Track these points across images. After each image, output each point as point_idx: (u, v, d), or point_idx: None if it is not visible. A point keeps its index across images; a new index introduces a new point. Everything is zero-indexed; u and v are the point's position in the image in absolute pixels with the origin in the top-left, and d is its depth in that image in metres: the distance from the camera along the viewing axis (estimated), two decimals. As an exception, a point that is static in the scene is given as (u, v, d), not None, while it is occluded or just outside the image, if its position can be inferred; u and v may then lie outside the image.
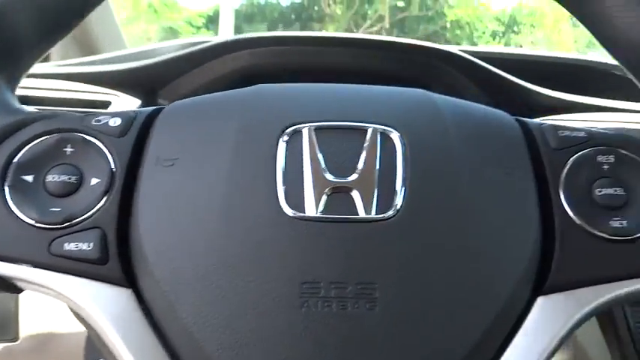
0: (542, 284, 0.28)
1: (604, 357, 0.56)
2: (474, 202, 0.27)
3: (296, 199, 0.27)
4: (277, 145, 0.28)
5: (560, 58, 0.89)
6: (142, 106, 0.61)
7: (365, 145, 0.28)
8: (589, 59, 0.91)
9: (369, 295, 0.25)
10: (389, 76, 0.62)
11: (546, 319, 0.27)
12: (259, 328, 0.25)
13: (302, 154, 0.28)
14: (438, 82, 0.63)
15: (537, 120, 0.32)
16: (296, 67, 0.59)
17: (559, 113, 0.67)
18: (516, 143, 0.30)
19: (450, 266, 0.26)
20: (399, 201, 0.27)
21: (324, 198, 0.27)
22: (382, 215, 0.26)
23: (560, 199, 0.29)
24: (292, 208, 0.26)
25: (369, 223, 0.26)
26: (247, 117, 0.29)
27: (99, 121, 0.30)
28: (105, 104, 0.60)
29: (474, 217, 0.27)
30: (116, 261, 0.27)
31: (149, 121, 0.30)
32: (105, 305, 0.27)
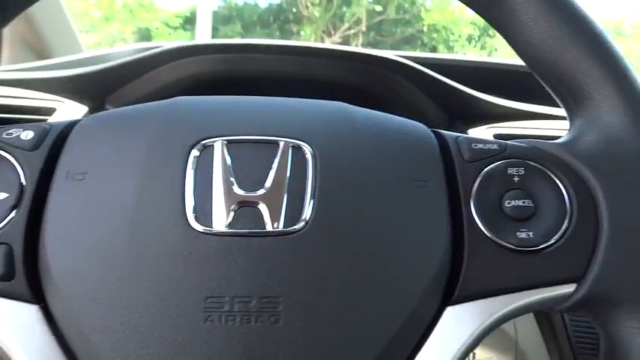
0: (451, 294, 0.29)
1: (544, 361, 0.58)
2: (383, 214, 0.28)
3: (204, 213, 0.27)
4: (187, 159, 0.28)
5: (509, 65, 0.90)
6: (90, 113, 0.61)
7: (276, 158, 0.28)
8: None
9: (273, 309, 0.26)
10: (336, 85, 0.62)
11: (454, 329, 0.28)
12: (163, 344, 0.25)
13: (212, 169, 0.28)
14: (385, 91, 0.64)
15: (455, 133, 0.33)
16: (243, 76, 0.59)
17: (505, 121, 0.68)
18: (430, 155, 0.31)
19: (355, 278, 0.26)
20: (307, 214, 0.27)
21: (232, 212, 0.27)
22: (289, 228, 0.27)
23: (471, 211, 0.29)
24: (200, 223, 0.26)
25: (275, 237, 0.27)
26: (159, 131, 0.29)
27: (10, 134, 0.29)
28: (49, 111, 0.59)
29: (383, 229, 0.28)
30: (23, 277, 0.27)
31: (64, 134, 0.30)
32: (10, 322, 0.26)
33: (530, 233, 0.29)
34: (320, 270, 0.26)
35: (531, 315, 0.58)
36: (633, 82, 0.30)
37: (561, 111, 0.72)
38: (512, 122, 0.67)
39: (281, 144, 0.29)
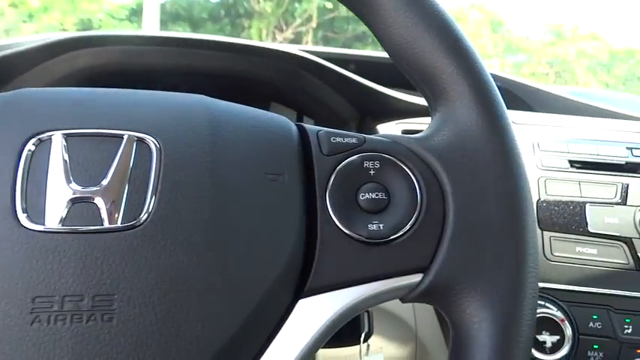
0: (304, 287, 0.29)
1: (442, 352, 0.59)
2: (229, 208, 0.28)
3: (37, 210, 0.26)
4: (21, 154, 0.27)
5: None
6: None
7: (118, 152, 0.27)
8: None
9: (108, 307, 0.25)
10: (241, 80, 0.62)
11: (305, 321, 0.28)
12: None
13: (48, 164, 0.27)
14: (292, 86, 0.64)
15: (317, 127, 0.33)
16: (141, 70, 0.57)
17: (415, 117, 0.69)
18: (288, 149, 0.31)
19: (195, 274, 0.26)
20: (147, 210, 0.26)
21: (66, 208, 0.26)
22: (128, 224, 0.26)
23: (326, 204, 0.30)
24: (31, 220, 0.25)
25: (113, 233, 0.26)
26: None
27: None
28: None
29: (228, 223, 0.27)
30: None
31: None
32: None
33: (381, 225, 0.29)
34: (158, 266, 0.26)
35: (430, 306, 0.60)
36: (484, 77, 0.31)
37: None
38: (422, 118, 0.68)
39: (125, 137, 0.28)
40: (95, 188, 0.26)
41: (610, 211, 0.57)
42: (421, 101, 0.69)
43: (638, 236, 0.55)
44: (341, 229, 0.29)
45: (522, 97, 0.91)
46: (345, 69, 0.68)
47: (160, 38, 0.59)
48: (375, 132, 0.68)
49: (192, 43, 0.60)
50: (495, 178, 0.30)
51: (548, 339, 0.53)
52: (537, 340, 0.52)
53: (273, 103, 0.74)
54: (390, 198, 0.30)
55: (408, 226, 0.29)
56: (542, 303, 0.54)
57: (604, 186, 0.59)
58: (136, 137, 0.28)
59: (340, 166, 0.30)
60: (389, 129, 0.67)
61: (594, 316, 0.53)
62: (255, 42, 0.64)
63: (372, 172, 0.31)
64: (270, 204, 0.29)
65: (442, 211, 0.30)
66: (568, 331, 0.52)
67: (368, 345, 0.48)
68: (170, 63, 0.58)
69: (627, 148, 0.62)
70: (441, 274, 0.29)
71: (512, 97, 0.91)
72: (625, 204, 0.57)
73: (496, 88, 0.32)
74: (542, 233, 0.56)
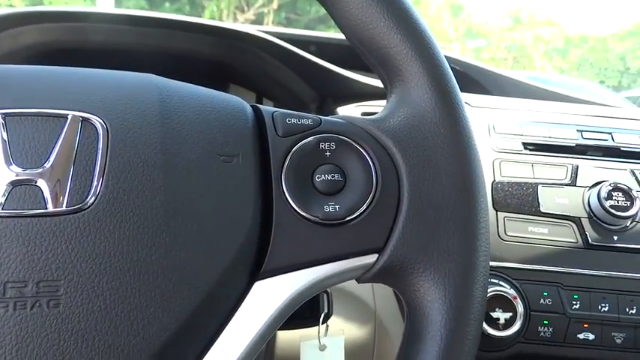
0: (260, 269, 0.28)
1: (401, 330, 0.60)
2: (180, 190, 0.27)
3: None
4: None
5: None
6: None
7: (62, 133, 0.26)
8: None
9: (54, 293, 0.24)
10: (198, 60, 0.60)
11: (261, 303, 0.28)
12: None
13: None
14: (251, 68, 0.63)
15: (273, 108, 0.32)
16: (91, 48, 0.55)
17: (374, 99, 0.69)
18: (242, 130, 0.30)
19: (146, 257, 0.25)
20: (94, 192, 0.25)
21: (6, 192, 0.25)
22: (74, 207, 0.25)
23: (281, 185, 0.29)
24: None
25: (57, 217, 0.25)
26: None
27: None
28: None
29: (179, 206, 0.27)
30: None
31: None
32: None
33: (337, 206, 0.29)
34: (106, 250, 0.25)
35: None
36: (438, 60, 0.32)
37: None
38: (381, 100, 0.68)
39: (69, 117, 0.26)
40: (37, 170, 0.25)
41: (560, 192, 0.59)
42: (380, 83, 0.69)
43: (586, 216, 0.57)
44: (297, 211, 0.29)
45: (480, 81, 0.93)
46: (306, 51, 0.67)
47: (111, 15, 0.56)
48: (334, 114, 0.67)
49: (147, 21, 0.57)
50: (448, 158, 0.30)
51: (502, 315, 0.55)
52: (491, 316, 0.54)
53: (232, 85, 0.72)
54: (346, 179, 0.30)
55: (363, 207, 0.29)
56: (496, 281, 0.55)
57: (555, 167, 0.60)
58: (81, 117, 0.27)
59: (296, 147, 0.30)
60: (349, 111, 0.66)
61: (545, 293, 0.55)
62: (213, 22, 0.62)
63: (327, 153, 0.30)
64: (224, 186, 0.28)
65: (397, 192, 0.30)
66: (520, 307, 0.54)
67: (327, 326, 0.49)
68: (122, 41, 0.56)
69: (578, 130, 0.64)
70: (395, 254, 0.29)
71: (470, 81, 0.92)
72: (575, 185, 0.59)
73: (450, 71, 0.32)
74: (496, 214, 0.58)
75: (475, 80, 0.93)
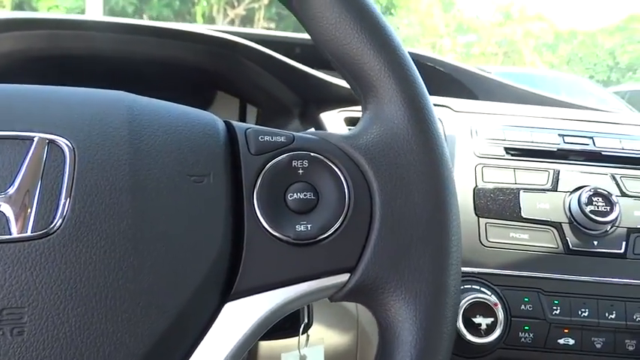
0: (231, 290, 0.28)
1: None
2: (148, 212, 0.27)
3: None
4: None
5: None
6: None
7: (28, 156, 0.26)
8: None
9: (17, 321, 0.24)
10: (181, 67, 0.60)
11: (232, 324, 0.28)
12: None
13: None
14: (234, 74, 0.62)
15: (247, 124, 0.32)
16: (70, 55, 0.54)
17: (357, 104, 0.69)
18: (214, 149, 0.30)
19: (113, 282, 0.25)
20: (61, 216, 0.25)
21: None
22: (39, 232, 0.25)
23: (253, 205, 0.29)
24: None
25: (22, 243, 0.24)
26: None
27: None
28: None
29: (148, 228, 0.26)
30: None
31: None
32: None
33: (309, 225, 0.29)
34: (72, 276, 0.24)
35: None
36: (411, 76, 0.31)
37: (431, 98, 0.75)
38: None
39: (35, 140, 0.26)
40: (1, 195, 0.25)
41: (542, 197, 0.59)
42: None
43: (567, 221, 0.58)
44: (268, 231, 0.29)
45: (466, 84, 0.93)
46: (292, 53, 0.67)
47: (91, 23, 0.56)
48: (318, 120, 0.67)
49: (127, 28, 0.57)
50: (421, 176, 0.30)
51: (483, 321, 0.55)
52: (472, 323, 0.54)
53: (219, 92, 0.72)
54: (319, 197, 0.30)
55: (335, 226, 0.29)
56: (478, 287, 0.56)
57: (537, 172, 0.61)
58: (48, 139, 0.26)
59: (268, 165, 0.30)
60: (332, 116, 0.66)
61: (525, 299, 0.56)
62: (193, 27, 0.62)
63: (300, 171, 0.30)
64: (194, 207, 0.28)
65: (369, 211, 0.30)
66: (500, 314, 0.54)
67: (307, 336, 0.49)
68: (104, 50, 0.55)
69: (560, 135, 0.64)
70: (367, 273, 0.29)
71: (456, 84, 0.92)
72: (556, 190, 0.60)
73: (424, 87, 0.32)
74: (478, 220, 0.58)
75: (462, 83, 0.93)
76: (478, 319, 0.55)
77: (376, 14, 0.32)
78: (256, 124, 0.74)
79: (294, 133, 0.32)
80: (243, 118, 0.73)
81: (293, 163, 0.30)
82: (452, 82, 0.93)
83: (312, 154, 0.31)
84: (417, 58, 0.94)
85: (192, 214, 0.28)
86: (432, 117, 0.31)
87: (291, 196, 0.30)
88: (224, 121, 0.32)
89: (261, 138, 0.31)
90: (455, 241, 0.30)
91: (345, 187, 0.30)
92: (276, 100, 0.67)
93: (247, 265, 0.28)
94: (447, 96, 0.76)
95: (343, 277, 0.29)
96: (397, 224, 0.29)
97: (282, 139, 0.31)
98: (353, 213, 0.30)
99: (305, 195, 0.30)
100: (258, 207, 0.29)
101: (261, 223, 0.29)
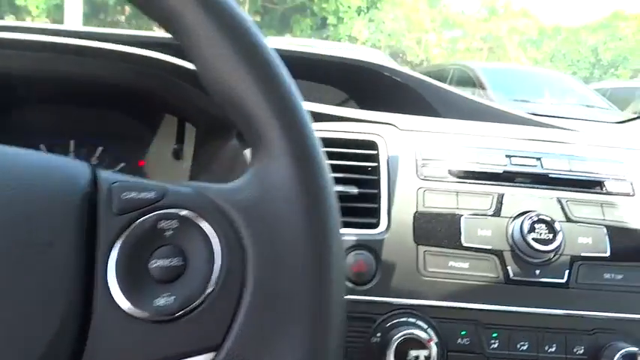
0: None
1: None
2: None
3: None
4: None
5: (332, 57, 0.89)
6: None
7: None
8: (361, 59, 0.93)
9: None
10: (122, 90, 0.56)
11: None
12: None
13: None
14: (171, 94, 0.59)
15: (115, 176, 0.28)
16: (8, 74, 0.50)
17: (319, 121, 0.66)
18: (66, 211, 0.26)
19: None
20: None
21: None
22: None
23: (106, 276, 0.26)
24: None
25: None
26: None
27: None
28: None
29: None
30: None
31: None
32: None
33: (173, 297, 0.26)
34: None
35: None
36: (301, 127, 0.28)
37: (375, 114, 0.71)
38: (327, 123, 0.64)
39: None
40: None
41: (484, 223, 0.57)
42: (321, 108, 0.66)
43: (508, 249, 0.55)
44: (121, 308, 0.25)
45: (427, 98, 0.90)
46: None
47: (6, 41, 0.52)
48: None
49: (45, 46, 0.53)
50: (302, 245, 0.27)
51: (421, 353, 0.52)
52: (406, 357, 0.51)
53: (166, 114, 0.68)
54: (187, 263, 0.27)
55: (201, 298, 0.26)
56: (413, 321, 0.53)
57: (480, 196, 0.58)
58: None
59: (130, 227, 0.27)
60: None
61: (462, 332, 0.53)
62: (132, 49, 0.57)
63: (167, 233, 0.27)
64: (34, 281, 0.24)
65: (241, 281, 0.27)
66: (434, 351, 0.51)
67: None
68: (24, 68, 0.51)
69: (507, 155, 0.62)
70: (233, 353, 0.26)
71: (417, 98, 0.89)
72: (499, 215, 0.57)
73: (315, 138, 0.29)
74: (417, 248, 0.55)
75: (423, 98, 0.90)
76: (414, 352, 0.52)
77: (262, 49, 0.29)
78: (195, 145, 0.71)
79: (169, 186, 0.28)
80: (181, 139, 0.70)
81: (159, 224, 0.27)
82: (413, 95, 0.90)
83: (182, 212, 0.27)
84: (378, 69, 0.91)
85: (31, 289, 0.24)
86: (319, 174, 0.28)
87: (154, 263, 0.26)
88: (94, 172, 0.29)
89: (126, 195, 0.27)
90: (336, 314, 0.27)
91: (216, 252, 0.27)
92: (213, 119, 0.64)
93: (93, 349, 0.25)
94: (404, 108, 0.73)
95: (207, 358, 0.26)
96: (271, 299, 0.26)
97: (152, 195, 0.27)
98: (223, 283, 0.26)
99: (171, 261, 0.27)
100: (113, 278, 0.26)
101: (112, 298, 0.25)
